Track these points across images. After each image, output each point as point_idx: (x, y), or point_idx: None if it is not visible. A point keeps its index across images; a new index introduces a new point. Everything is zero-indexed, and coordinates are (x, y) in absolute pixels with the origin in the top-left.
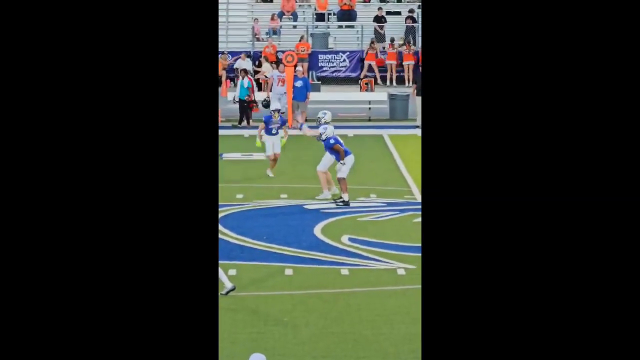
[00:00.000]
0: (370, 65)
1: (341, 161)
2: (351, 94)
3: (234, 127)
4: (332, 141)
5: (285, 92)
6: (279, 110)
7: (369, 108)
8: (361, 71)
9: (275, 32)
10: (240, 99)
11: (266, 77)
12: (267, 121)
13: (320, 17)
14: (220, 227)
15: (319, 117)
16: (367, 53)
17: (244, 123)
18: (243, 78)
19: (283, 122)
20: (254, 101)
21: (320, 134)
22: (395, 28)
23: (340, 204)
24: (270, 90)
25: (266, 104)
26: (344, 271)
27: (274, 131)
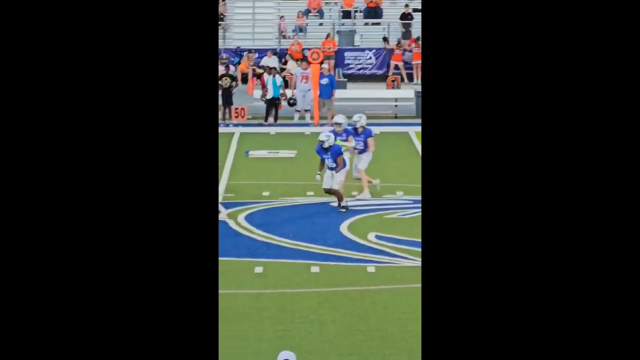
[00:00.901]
0: (396, 66)
1: (334, 172)
2: (378, 91)
3: (260, 125)
4: (341, 150)
5: (309, 89)
6: (340, 124)
7: (395, 105)
8: (387, 69)
9: (301, 29)
10: (273, 97)
11: (292, 74)
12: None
13: (346, 15)
14: (247, 225)
15: (354, 121)
16: (393, 53)
17: (270, 120)
18: (274, 76)
19: (348, 134)
20: (284, 98)
21: (323, 142)
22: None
23: (343, 210)
24: (295, 88)
25: (293, 102)
26: (370, 269)
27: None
